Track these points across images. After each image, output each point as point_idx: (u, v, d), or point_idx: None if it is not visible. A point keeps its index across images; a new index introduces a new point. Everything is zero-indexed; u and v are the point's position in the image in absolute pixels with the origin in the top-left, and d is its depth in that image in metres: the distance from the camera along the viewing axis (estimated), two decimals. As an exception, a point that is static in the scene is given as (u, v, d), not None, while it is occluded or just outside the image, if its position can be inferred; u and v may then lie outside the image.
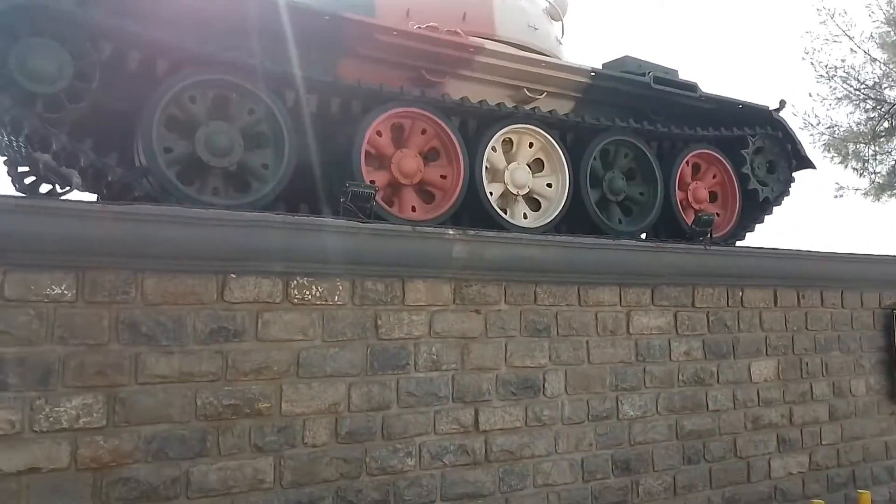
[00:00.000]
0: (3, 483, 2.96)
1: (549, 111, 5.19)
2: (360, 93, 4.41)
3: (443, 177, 4.80)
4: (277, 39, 4.21)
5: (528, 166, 5.15)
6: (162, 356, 3.31)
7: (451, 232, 3.97)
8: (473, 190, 4.79)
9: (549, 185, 5.22)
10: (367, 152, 4.46)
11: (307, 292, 3.69)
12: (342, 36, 4.43)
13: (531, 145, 5.17)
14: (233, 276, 3.49)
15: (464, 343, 4.16)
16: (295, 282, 3.66)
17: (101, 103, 3.82)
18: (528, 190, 5.12)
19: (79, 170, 3.70)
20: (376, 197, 3.99)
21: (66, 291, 3.12)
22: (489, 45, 4.96)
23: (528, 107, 5.14)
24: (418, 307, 4.03)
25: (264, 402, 3.55)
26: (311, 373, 3.68)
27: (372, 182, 4.26)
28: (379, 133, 4.55)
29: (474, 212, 4.85)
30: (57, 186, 5.31)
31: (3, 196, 2.90)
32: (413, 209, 4.67)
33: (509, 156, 5.12)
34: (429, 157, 4.82)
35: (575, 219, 5.29)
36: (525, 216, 5.11)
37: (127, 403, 3.22)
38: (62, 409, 3.09)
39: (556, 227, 5.15)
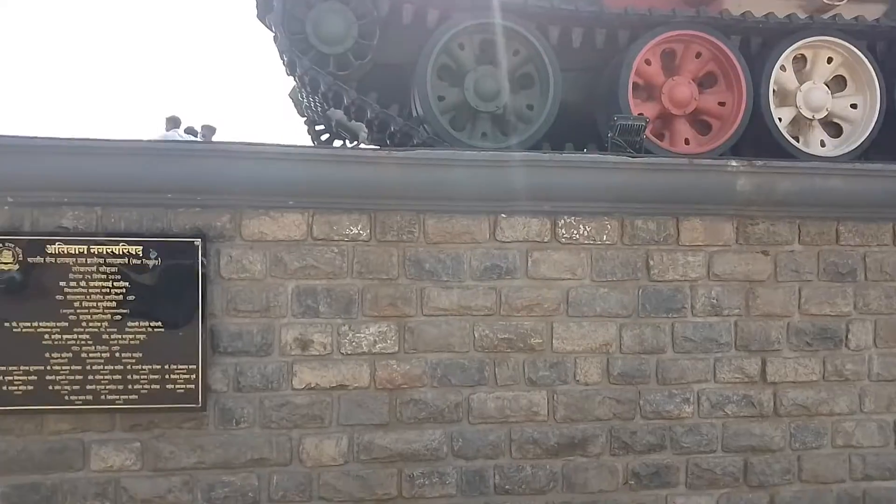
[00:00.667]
0: (320, 395, 3.44)
1: (854, 18, 4.40)
2: (628, 20, 4.16)
3: (721, 104, 4.37)
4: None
5: (827, 85, 4.45)
6: (443, 290, 3.53)
7: (734, 163, 3.60)
8: (758, 116, 4.29)
9: (854, 106, 4.47)
10: (634, 83, 4.22)
11: (575, 231, 3.65)
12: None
13: (830, 60, 4.45)
14: (503, 216, 3.58)
15: (748, 287, 3.80)
16: (562, 221, 3.63)
17: (380, 59, 4.13)
18: (826, 113, 4.44)
19: (366, 122, 4.06)
20: (646, 130, 3.76)
21: (361, 231, 3.47)
22: (778, -56, 4.33)
23: (825, 16, 4.42)
24: (695, 247, 3.76)
25: (536, 337, 3.62)
26: (581, 312, 3.65)
27: (641, 114, 4.03)
28: (647, 61, 4.27)
29: (759, 142, 4.35)
30: (346, 141, 5.95)
31: (310, 147, 3.29)
32: (686, 142, 4.33)
33: (802, 75, 4.47)
34: (704, 83, 4.41)
35: (887, 144, 4.47)
36: (823, 144, 4.45)
37: (415, 332, 3.52)
38: (362, 336, 3.48)
39: (864, 154, 4.41)
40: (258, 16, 4.14)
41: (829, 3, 4.51)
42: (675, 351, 3.75)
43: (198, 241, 3.27)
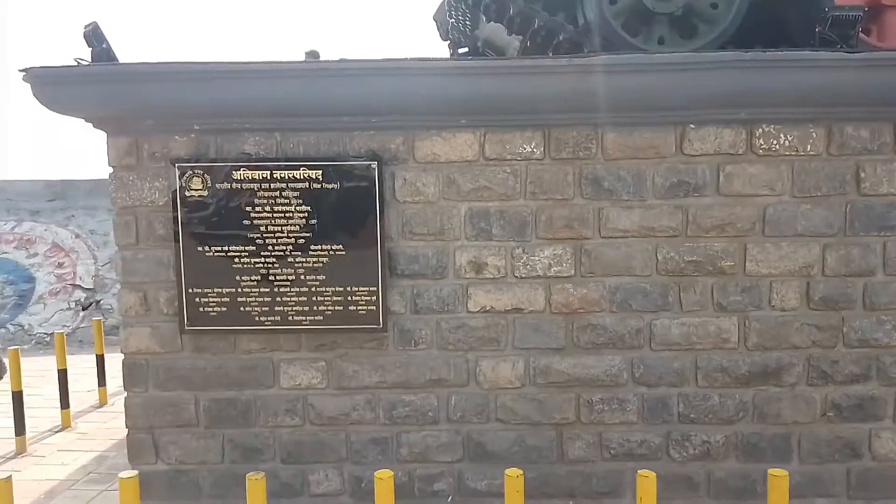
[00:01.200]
0: (496, 318, 3.38)
1: None
2: None
3: (945, -12, 3.71)
4: None
5: None
6: (623, 211, 3.31)
7: (977, 53, 3.04)
8: None
9: None
10: (838, -30, 3.66)
11: (774, 142, 3.27)
12: None
13: None
14: (692, 126, 3.26)
15: (981, 199, 3.27)
16: (760, 130, 3.26)
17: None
18: None
19: (530, 34, 3.81)
20: (861, 23, 3.25)
21: (535, 149, 3.29)
22: None
23: None
24: (916, 154, 3.27)
25: (727, 260, 3.33)
26: (779, 231, 3.31)
27: (856, 6, 3.49)
28: (856, -56, 3.68)
29: None
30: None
31: (484, 60, 3.10)
32: (901, 35, 3.74)
33: None
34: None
35: None
36: None
37: (592, 255, 3.34)
38: (536, 259, 3.35)
39: None
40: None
41: None
42: (886, 273, 3.33)
43: (374, 165, 3.23)
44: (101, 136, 3.34)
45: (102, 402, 5.74)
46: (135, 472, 2.29)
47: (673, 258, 3.33)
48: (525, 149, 3.29)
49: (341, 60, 3.04)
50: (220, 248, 3.28)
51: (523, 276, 3.36)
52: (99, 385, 5.77)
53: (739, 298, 3.36)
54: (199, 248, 3.28)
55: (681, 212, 3.31)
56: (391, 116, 3.22)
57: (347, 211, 3.26)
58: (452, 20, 5.29)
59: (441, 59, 3.06)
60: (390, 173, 3.30)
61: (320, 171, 3.23)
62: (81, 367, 6.74)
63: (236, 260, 3.28)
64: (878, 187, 3.28)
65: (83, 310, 9.07)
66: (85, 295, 9.11)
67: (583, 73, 3.04)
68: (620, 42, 3.65)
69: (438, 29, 6.13)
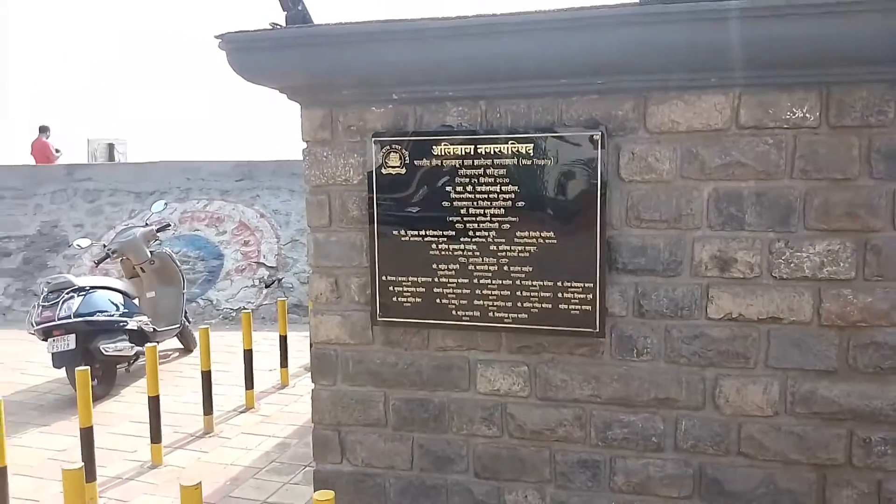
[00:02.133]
0: (744, 329, 2.72)
1: None
2: None
3: None
4: None
5: None
6: (931, 195, 2.50)
7: None
8: None
9: None
10: None
11: None
12: None
13: None
14: None
15: None
16: None
17: None
18: None
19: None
20: None
21: (808, 115, 2.56)
22: None
23: None
24: None
25: None
26: None
27: None
28: None
29: None
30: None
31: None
32: None
33: None
34: None
35: None
36: None
37: (881, 253, 2.56)
38: (804, 255, 2.63)
39: None
40: None
41: None
42: None
43: (597, 135, 2.67)
44: (286, 113, 3.08)
45: (284, 384, 5.73)
46: (79, 465, 2.52)
47: None
48: (794, 114, 2.57)
49: (558, 10, 2.51)
50: (416, 233, 2.90)
51: (784, 276, 2.66)
52: (281, 366, 5.77)
53: None
54: (395, 233, 2.93)
55: None
56: (620, 76, 2.64)
57: (561, 191, 2.74)
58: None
59: (685, 2, 2.43)
60: (615, 146, 2.73)
61: (531, 145, 2.74)
62: (264, 344, 6.86)
63: (433, 246, 2.89)
64: None
65: (266, 287, 9.39)
66: (268, 273, 9.42)
67: (889, 11, 2.27)
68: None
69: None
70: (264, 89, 3.10)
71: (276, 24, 2.90)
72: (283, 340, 5.75)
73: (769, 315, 2.69)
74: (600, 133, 2.67)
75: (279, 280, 9.37)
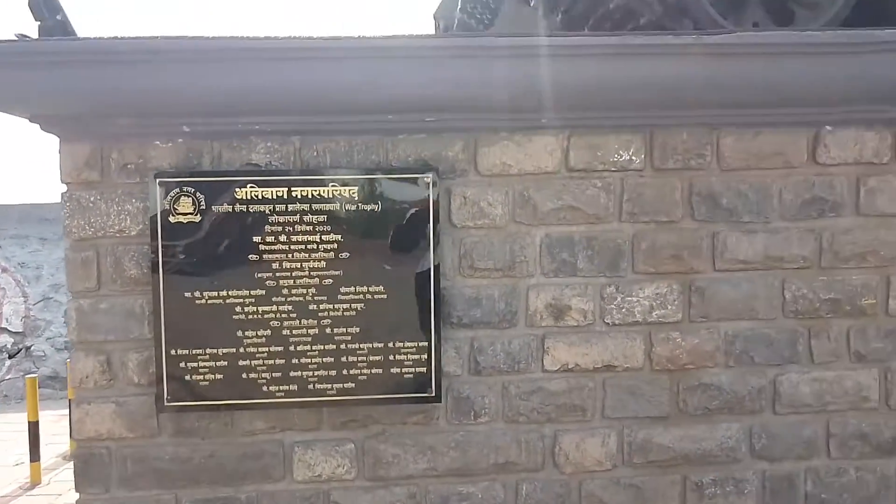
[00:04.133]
0: (580, 379, 2.58)
1: None
2: None
3: None
4: None
5: None
6: (744, 236, 2.59)
7: None
8: None
9: None
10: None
11: (924, 148, 2.62)
12: None
13: None
14: (828, 128, 2.58)
15: None
16: (908, 133, 2.61)
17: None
18: None
19: (601, 16, 3.09)
20: None
21: (633, 157, 2.54)
22: None
23: None
24: None
25: (868, 297, 2.64)
26: (931, 260, 2.65)
27: None
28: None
29: None
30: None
31: (582, 36, 2.34)
32: None
33: None
34: None
35: None
36: None
37: (705, 294, 2.60)
38: (635, 299, 2.58)
39: None
40: None
41: None
42: None
43: (427, 177, 2.41)
44: (43, 145, 2.41)
45: (35, 482, 4.63)
46: None
47: (805, 296, 2.62)
48: (622, 156, 2.54)
49: (392, 36, 2.23)
50: (215, 294, 2.38)
51: (617, 322, 2.58)
52: (31, 459, 4.67)
53: (881, 346, 2.67)
54: (187, 294, 2.37)
55: (814, 236, 2.61)
56: (449, 114, 2.42)
57: (390, 240, 2.42)
58: (464, 14, 4.56)
59: (524, 36, 2.29)
60: (446, 189, 2.49)
61: (355, 188, 2.40)
62: (5, 430, 5.59)
63: (238, 309, 2.39)
64: None
65: (10, 358, 7.83)
66: (12, 340, 7.87)
67: (713, 56, 2.32)
68: (712, 26, 2.97)
69: (436, 28, 5.40)
70: (9, 117, 2.41)
71: (25, 36, 2.26)
72: (34, 427, 4.68)
73: (604, 363, 2.59)
74: (431, 175, 2.41)
75: (27, 348, 7.86)
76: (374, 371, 2.46)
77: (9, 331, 8.04)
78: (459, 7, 4.46)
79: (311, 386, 2.45)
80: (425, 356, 2.47)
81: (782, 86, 2.43)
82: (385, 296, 2.43)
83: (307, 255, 2.39)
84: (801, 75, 2.42)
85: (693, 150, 2.55)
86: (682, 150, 2.55)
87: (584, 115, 2.47)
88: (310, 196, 2.37)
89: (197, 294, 2.38)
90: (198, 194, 2.35)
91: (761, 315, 2.62)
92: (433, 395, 2.50)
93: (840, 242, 2.61)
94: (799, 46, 2.32)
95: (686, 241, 2.58)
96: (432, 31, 5.21)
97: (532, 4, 3.23)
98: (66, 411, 3.25)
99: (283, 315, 2.41)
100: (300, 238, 2.38)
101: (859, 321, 2.65)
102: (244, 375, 2.43)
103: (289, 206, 2.37)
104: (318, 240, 2.39)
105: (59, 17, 2.29)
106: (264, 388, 2.44)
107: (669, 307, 2.60)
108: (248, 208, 2.36)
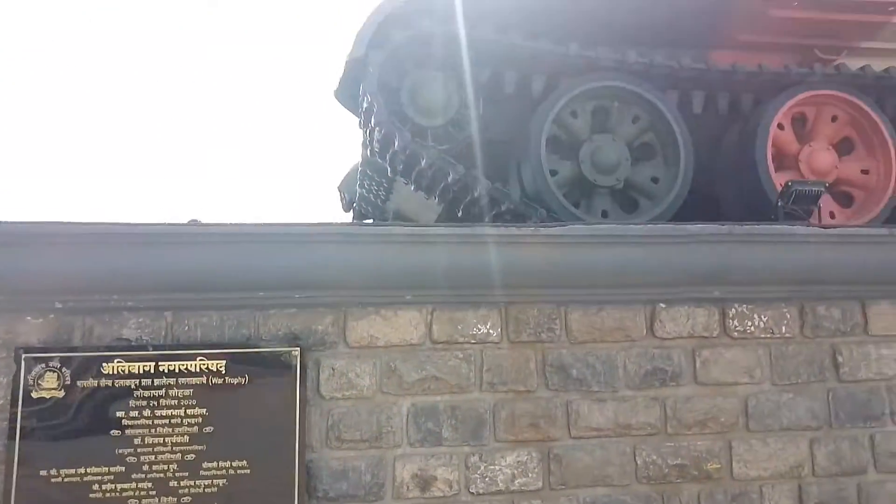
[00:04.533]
0: (451, 552, 2.62)
1: None
2: (761, 80, 3.66)
3: (864, 172, 3.81)
4: (656, 35, 3.67)
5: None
6: (595, 404, 2.79)
7: (939, 232, 2.97)
8: (905, 184, 3.72)
9: None
10: (768, 151, 3.67)
11: (749, 323, 2.95)
12: (729, 18, 3.73)
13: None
14: (662, 305, 2.89)
15: (955, 383, 3.07)
16: (733, 310, 2.94)
17: (481, 132, 3.58)
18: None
19: (468, 202, 3.44)
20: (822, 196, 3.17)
21: (491, 331, 2.76)
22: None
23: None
24: (887, 337, 3.06)
25: (713, 461, 2.84)
26: (765, 425, 2.90)
27: (818, 180, 3.44)
28: (780, 126, 3.74)
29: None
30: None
31: (441, 227, 2.63)
32: (832, 215, 3.73)
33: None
34: (839, 150, 3.87)
35: None
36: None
37: (563, 461, 2.73)
38: (497, 468, 2.69)
39: None
40: (337, 92, 3.61)
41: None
42: (878, 471, 2.97)
43: (295, 351, 2.54)
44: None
45: None
46: None
47: (655, 462, 2.80)
48: (480, 329, 2.75)
49: (262, 224, 2.45)
50: (72, 472, 2.35)
51: (481, 491, 2.67)
52: None
53: (730, 508, 2.84)
54: (43, 473, 2.34)
55: (658, 404, 2.84)
56: (320, 291, 2.60)
57: (256, 413, 2.49)
58: (363, 189, 4.93)
59: (384, 225, 2.56)
60: (315, 361, 2.61)
61: (223, 362, 2.49)
62: None
63: (95, 487, 2.36)
64: (856, 372, 3.01)
65: None
66: None
67: (552, 245, 2.63)
68: (564, 214, 3.36)
69: (342, 199, 5.76)
70: None
71: None
72: None
73: (470, 534, 2.64)
74: (299, 348, 2.55)
75: None
76: (234, 549, 2.43)
77: None
78: (358, 183, 4.83)
79: (168, 568, 2.39)
80: (288, 532, 2.47)
81: (620, 268, 2.76)
82: (248, 471, 2.46)
83: (171, 429, 2.42)
84: (635, 260, 2.76)
85: (544, 324, 2.80)
86: (534, 325, 2.79)
87: (445, 292, 2.70)
88: (177, 370, 2.45)
89: (53, 472, 2.35)
90: (64, 369, 2.39)
91: (616, 481, 2.76)
92: (296, 573, 2.47)
93: (682, 410, 2.85)
94: (623, 238, 2.68)
95: (542, 409, 2.75)
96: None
97: (413, 190, 3.60)
98: None
99: (142, 492, 2.39)
100: (164, 412, 2.43)
101: (707, 485, 2.83)
102: (96, 559, 2.35)
103: (155, 380, 2.43)
104: (183, 414, 2.44)
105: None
106: (117, 573, 2.36)
107: (530, 475, 2.71)
108: (113, 383, 2.41)
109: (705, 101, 3.73)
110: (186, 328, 2.55)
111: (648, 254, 2.75)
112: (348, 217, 5.85)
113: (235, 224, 2.46)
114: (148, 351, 2.46)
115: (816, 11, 3.73)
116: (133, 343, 2.50)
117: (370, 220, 5.58)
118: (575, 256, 2.69)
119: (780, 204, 3.08)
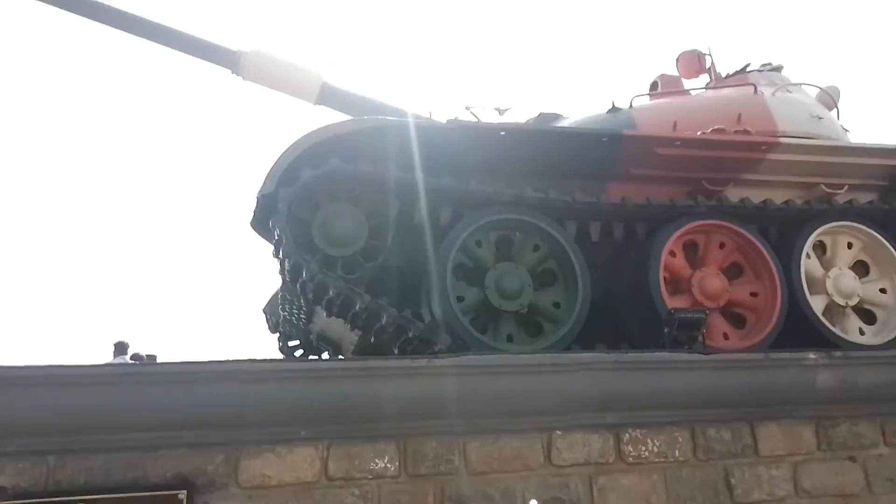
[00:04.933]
0: None
1: (868, 203, 4.34)
2: (650, 211, 3.94)
3: (753, 294, 4.07)
4: (553, 169, 3.95)
5: (851, 271, 4.27)
6: (494, 538, 2.78)
7: (812, 356, 3.17)
8: (794, 306, 3.98)
9: (883, 291, 4.26)
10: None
11: (643, 447, 3.04)
12: (619, 155, 4.05)
13: (850, 246, 4.31)
14: (558, 432, 2.97)
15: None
16: (627, 435, 3.04)
17: (390, 261, 3.72)
18: (858, 299, 4.19)
19: (377, 329, 3.51)
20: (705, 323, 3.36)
21: (389, 465, 2.77)
22: (785, 140, 4.35)
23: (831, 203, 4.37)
24: (776, 458, 3.19)
25: None
26: (665, 553, 2.93)
27: (700, 307, 3.64)
28: (672, 253, 3.99)
29: (798, 332, 3.99)
30: (327, 354, 5.31)
31: (334, 361, 2.69)
32: (725, 336, 3.93)
33: (825, 261, 4.29)
34: (729, 274, 4.14)
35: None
36: (861, 332, 4.14)
37: None
38: None
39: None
40: (252, 222, 3.73)
41: (830, 191, 4.46)
42: None
43: (182, 494, 2.49)
44: None
45: None
46: None
47: None
48: (377, 464, 2.76)
49: (148, 364, 2.47)
50: None
51: None
52: None
53: None
54: None
55: (559, 535, 2.85)
56: (210, 430, 2.59)
57: (139, 562, 2.41)
58: (285, 313, 4.97)
59: (275, 360, 2.60)
60: (204, 504, 2.56)
61: (106, 508, 2.42)
62: None
63: None
64: (750, 494, 3.10)
65: None
66: None
67: (447, 376, 2.71)
68: (470, 339, 3.45)
69: (267, 321, 5.75)
70: None
71: None
72: None
73: None
74: (185, 492, 2.50)
75: None
76: None
77: None
78: (280, 306, 4.87)
79: None
80: None
81: (514, 397, 2.84)
82: None
83: (43, 584, 2.30)
84: (529, 389, 2.85)
85: (442, 455, 2.82)
86: (433, 457, 2.81)
87: (340, 427, 2.72)
88: (55, 519, 2.37)
89: None
90: (-71, 523, 2.28)
91: None
92: None
93: (583, 539, 2.86)
94: (515, 367, 2.79)
95: (442, 545, 2.73)
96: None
97: (327, 317, 3.66)
98: None
99: None
100: (38, 566, 2.32)
101: None
102: None
103: (31, 531, 2.34)
104: (58, 566, 2.33)
105: None
106: None
107: None
108: (-17, 536, 2.31)
109: (601, 230, 3.97)
110: (70, 473, 2.49)
111: (542, 382, 2.86)
112: (274, 339, 5.84)
113: (103, 365, 2.48)
114: (26, 499, 2.38)
115: (696, 149, 4.09)
116: (9, 490, 2.41)
117: (295, 342, 5.59)
118: (470, 387, 2.77)
119: (666, 331, 3.26)
